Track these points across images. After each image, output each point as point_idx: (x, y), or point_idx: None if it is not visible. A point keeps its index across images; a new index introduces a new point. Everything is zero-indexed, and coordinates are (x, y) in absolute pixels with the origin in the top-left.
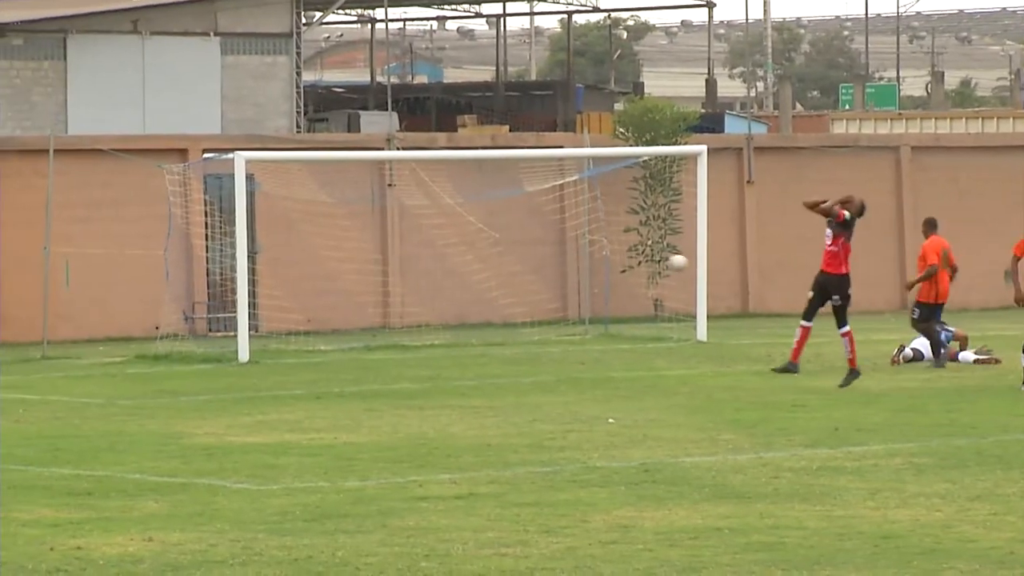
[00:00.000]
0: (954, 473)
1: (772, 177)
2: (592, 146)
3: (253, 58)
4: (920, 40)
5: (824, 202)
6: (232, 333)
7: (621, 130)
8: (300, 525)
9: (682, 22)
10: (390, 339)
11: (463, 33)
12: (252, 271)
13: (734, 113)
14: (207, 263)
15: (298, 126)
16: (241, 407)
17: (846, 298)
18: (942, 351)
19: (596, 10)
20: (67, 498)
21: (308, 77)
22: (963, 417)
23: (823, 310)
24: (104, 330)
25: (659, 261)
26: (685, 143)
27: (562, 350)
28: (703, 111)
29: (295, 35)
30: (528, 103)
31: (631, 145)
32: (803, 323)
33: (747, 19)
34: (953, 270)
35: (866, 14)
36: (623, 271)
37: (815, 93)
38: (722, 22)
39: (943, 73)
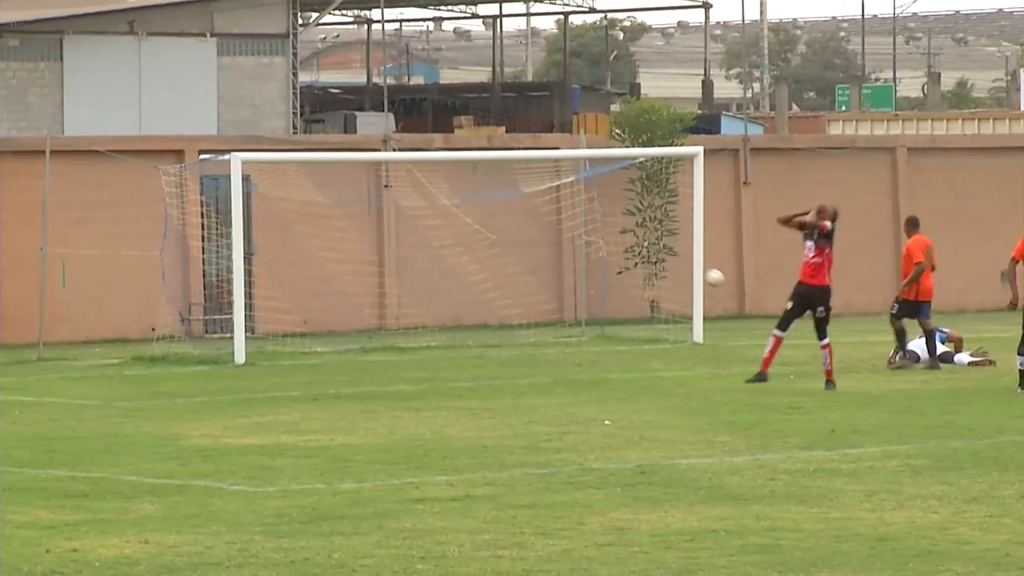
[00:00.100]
0: (950, 475)
1: (768, 178)
2: (588, 147)
3: (249, 59)
4: (916, 41)
5: (796, 215)
6: (228, 335)
7: (617, 131)
8: (296, 527)
9: (678, 23)
10: (386, 341)
11: (459, 34)
12: (248, 272)
13: (730, 114)
14: (203, 264)
15: (294, 127)
16: (237, 409)
17: (829, 310)
18: (906, 351)
19: (592, 11)
20: (63, 500)
21: (304, 78)
22: (959, 419)
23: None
24: (100, 331)
25: (656, 263)
26: (681, 144)
27: (558, 352)
28: (699, 112)
29: (291, 36)
30: (524, 104)
31: (627, 146)
32: (776, 332)
33: (743, 20)
34: (931, 268)
35: (862, 15)
36: (619, 272)
37: (811, 94)
38: (718, 23)
39: (939, 74)
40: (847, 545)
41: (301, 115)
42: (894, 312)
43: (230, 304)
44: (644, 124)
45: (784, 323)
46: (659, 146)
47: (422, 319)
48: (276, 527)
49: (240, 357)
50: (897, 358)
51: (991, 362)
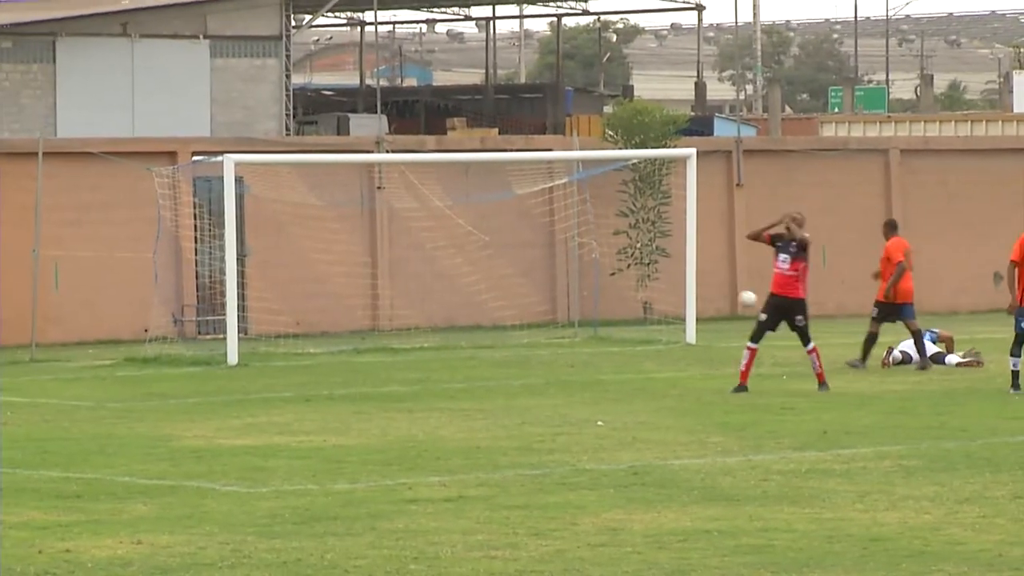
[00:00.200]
0: (943, 476)
1: (761, 180)
2: (581, 149)
3: (242, 61)
4: (909, 43)
5: (764, 229)
6: (221, 336)
7: (610, 133)
8: (289, 528)
9: (671, 25)
10: (379, 342)
11: (452, 36)
12: (241, 274)
13: (723, 116)
14: (196, 266)
15: (287, 129)
16: (230, 410)
17: (807, 317)
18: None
19: (586, 13)
20: (56, 501)
21: (297, 80)
22: (952, 420)
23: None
24: (93, 333)
25: (648, 264)
26: (674, 146)
27: (551, 353)
28: (692, 114)
29: (284, 38)
30: (517, 106)
31: (620, 148)
32: (750, 345)
33: (736, 22)
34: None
35: (855, 17)
36: (612, 274)
37: (804, 96)
38: (711, 25)
39: (932, 76)
40: (840, 546)
41: (294, 117)
42: (873, 316)
43: (223, 305)
44: (637, 126)
45: (757, 335)
46: (652, 148)
47: (415, 320)
48: (269, 528)
49: (233, 358)
50: (890, 359)
51: (979, 363)
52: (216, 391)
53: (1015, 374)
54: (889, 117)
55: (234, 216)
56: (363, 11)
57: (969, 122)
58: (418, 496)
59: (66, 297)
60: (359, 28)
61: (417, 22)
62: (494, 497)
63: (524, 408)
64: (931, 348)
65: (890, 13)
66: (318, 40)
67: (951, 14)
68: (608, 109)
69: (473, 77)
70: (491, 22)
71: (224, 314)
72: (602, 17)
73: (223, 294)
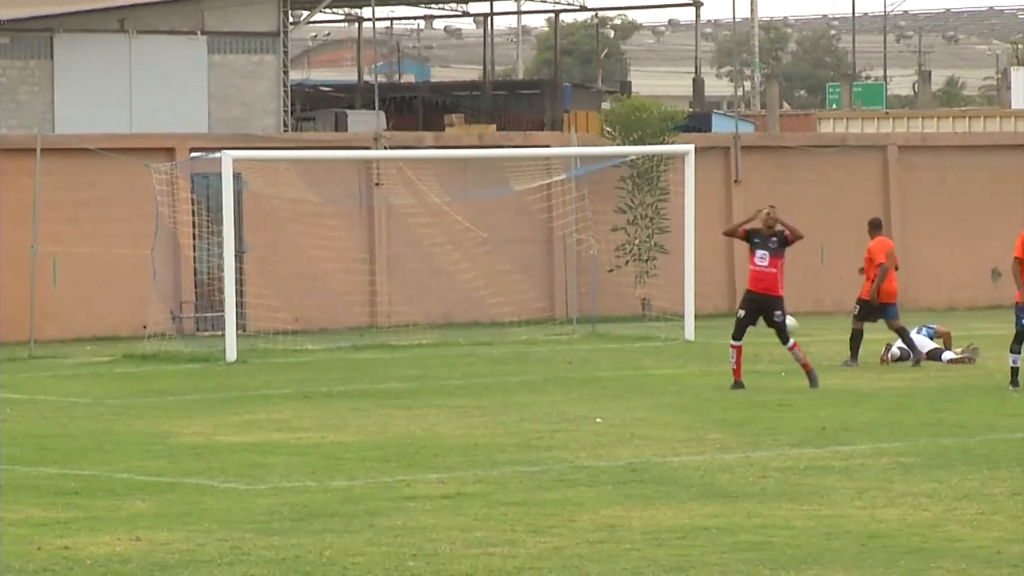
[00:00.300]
0: (941, 472)
1: (759, 176)
2: (579, 145)
3: (240, 57)
4: (907, 39)
5: (740, 225)
6: (220, 332)
7: (608, 129)
8: (288, 525)
9: (669, 21)
10: (378, 338)
11: (450, 32)
12: (240, 270)
13: (721, 112)
14: (194, 262)
15: (285, 125)
16: (229, 407)
17: (784, 313)
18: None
19: (583, 9)
20: (54, 497)
21: (295, 76)
22: (950, 417)
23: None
24: (92, 329)
25: (647, 260)
26: (672, 142)
27: (549, 349)
28: (690, 110)
29: (282, 34)
30: (515, 102)
31: (618, 144)
32: (734, 343)
33: (734, 18)
34: (895, 269)
35: (853, 13)
36: (610, 270)
37: (802, 92)
38: (709, 21)
39: (930, 72)
40: (838, 542)
41: (292, 113)
42: (855, 314)
43: (221, 302)
44: (635, 122)
45: (739, 333)
46: (650, 144)
47: (413, 317)
48: (267, 525)
49: (231, 355)
50: (888, 356)
51: (970, 359)
52: (214, 388)
53: (1014, 371)
54: (887, 113)
55: (232, 212)
56: (361, 7)
57: (967, 118)
58: (416, 493)
59: (64, 293)
60: (357, 24)
61: (415, 18)
62: (492, 494)
63: (522, 405)
64: (928, 344)
65: (888, 9)
66: (316, 36)
67: (949, 10)
68: (606, 105)
69: (471, 73)
70: (489, 18)
71: (222, 310)
72: (600, 13)
73: (221, 290)
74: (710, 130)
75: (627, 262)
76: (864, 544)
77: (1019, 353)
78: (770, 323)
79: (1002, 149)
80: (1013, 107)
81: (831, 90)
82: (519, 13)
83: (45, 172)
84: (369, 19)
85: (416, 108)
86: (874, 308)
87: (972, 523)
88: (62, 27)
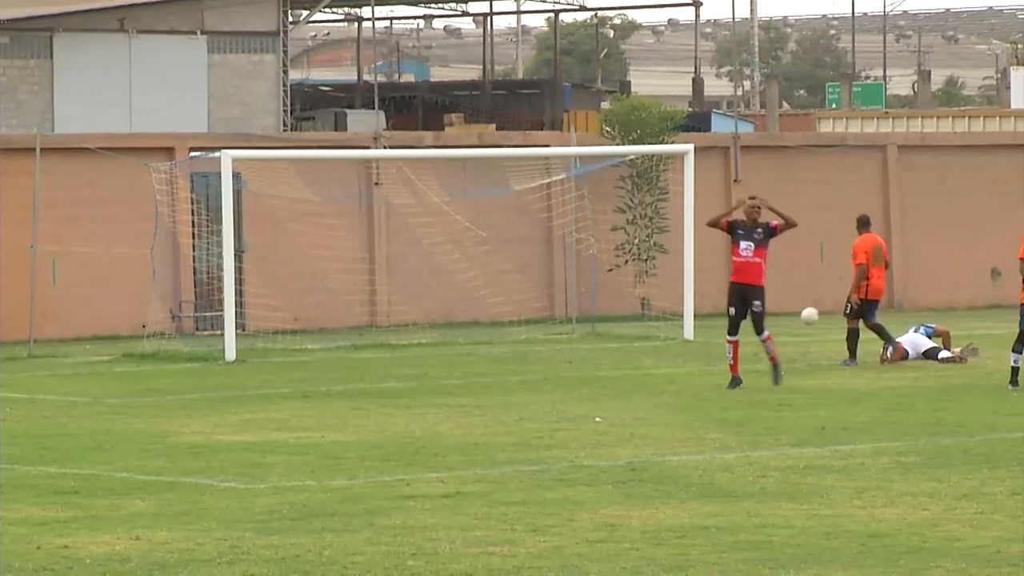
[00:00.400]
0: (941, 472)
1: (759, 176)
2: (579, 145)
3: (240, 56)
4: (907, 39)
5: (723, 216)
6: (219, 332)
7: (608, 129)
8: (287, 524)
9: (669, 21)
10: (377, 338)
11: (450, 32)
12: (239, 270)
13: (721, 112)
14: (194, 262)
15: (285, 125)
16: (228, 406)
17: (764, 304)
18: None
19: (583, 9)
20: (54, 497)
21: (295, 76)
22: (950, 416)
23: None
24: (91, 329)
25: (646, 260)
26: (672, 142)
27: (549, 349)
28: (690, 110)
29: (282, 34)
30: (515, 102)
31: (618, 144)
32: (730, 338)
33: (734, 18)
34: (885, 267)
35: (852, 13)
36: (610, 270)
37: (802, 92)
38: (709, 21)
39: (930, 72)
40: (837, 542)
41: (291, 113)
42: (846, 313)
43: (221, 301)
44: (634, 122)
45: (733, 328)
46: (649, 144)
47: (413, 316)
48: (267, 524)
49: (231, 354)
50: (888, 353)
51: (962, 359)
52: (214, 387)
53: (1014, 370)
54: (887, 113)
55: (232, 212)
56: (360, 7)
57: (967, 118)
58: (416, 492)
59: (64, 293)
60: (356, 24)
61: (414, 18)
62: (492, 493)
63: (522, 404)
64: (927, 343)
65: (887, 9)
66: (315, 36)
67: (948, 10)
68: (605, 105)
69: (470, 73)
70: (488, 18)
71: (222, 310)
72: (599, 13)
73: (221, 290)
74: (710, 130)
75: (626, 262)
76: (864, 543)
77: (1021, 353)
78: (748, 312)
79: (1002, 149)
80: (1013, 107)
81: (831, 90)
82: (519, 13)
83: (45, 172)
84: (369, 19)
85: (416, 108)
86: (866, 305)
87: (972, 522)
88: (62, 27)
